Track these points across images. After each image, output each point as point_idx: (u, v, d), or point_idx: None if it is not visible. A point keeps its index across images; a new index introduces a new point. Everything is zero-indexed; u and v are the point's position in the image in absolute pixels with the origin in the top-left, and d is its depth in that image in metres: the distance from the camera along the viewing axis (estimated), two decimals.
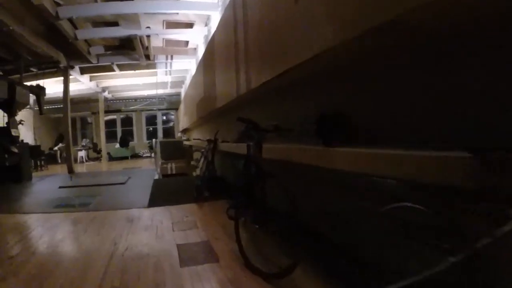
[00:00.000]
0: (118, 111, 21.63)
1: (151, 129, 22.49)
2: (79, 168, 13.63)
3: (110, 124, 22.24)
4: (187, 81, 14.84)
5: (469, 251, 1.19)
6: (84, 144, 18.87)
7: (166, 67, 13.43)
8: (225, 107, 4.87)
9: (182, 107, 14.49)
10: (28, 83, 11.00)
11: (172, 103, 21.52)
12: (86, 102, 19.70)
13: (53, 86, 14.52)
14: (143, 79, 15.62)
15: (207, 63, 6.25)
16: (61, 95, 16.36)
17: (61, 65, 11.21)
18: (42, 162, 14.27)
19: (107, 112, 21.07)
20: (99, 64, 12.18)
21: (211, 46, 5.71)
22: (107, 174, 10.90)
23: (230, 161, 5.49)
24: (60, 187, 7.87)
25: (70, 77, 13.13)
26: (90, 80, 14.43)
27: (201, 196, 5.35)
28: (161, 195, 6.07)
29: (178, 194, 5.97)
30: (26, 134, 16.52)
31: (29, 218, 4.74)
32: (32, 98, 11.59)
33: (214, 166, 5.49)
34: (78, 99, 19.13)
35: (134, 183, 8.00)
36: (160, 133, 22.08)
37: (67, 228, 4.16)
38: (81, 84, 15.08)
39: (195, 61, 12.08)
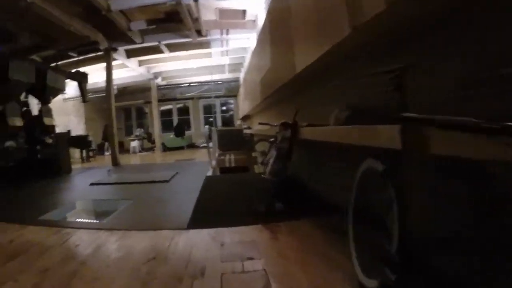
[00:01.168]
0: (173, 99, 20.45)
1: (210, 119, 21.02)
2: (128, 160, 12.44)
3: (167, 113, 21.26)
4: (246, 63, 13.06)
5: None
6: (137, 134, 17.90)
7: (222, 46, 11.64)
8: (317, 64, 2.87)
9: (241, 91, 12.71)
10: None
11: (230, 90, 19.85)
12: (141, 91, 18.70)
13: (104, 74, 13.56)
14: (197, 62, 14.01)
15: (276, 23, 4.34)
16: (121, 82, 15.51)
17: (102, 47, 9.86)
18: (90, 153, 13.32)
19: (163, 101, 19.97)
20: (145, 45, 10.68)
21: None
22: (153, 168, 9.35)
23: (319, 159, 3.57)
24: (91, 184, 6.42)
25: (117, 62, 11.83)
26: (139, 65, 13.06)
27: (272, 210, 3.45)
28: (210, 204, 4.09)
29: (235, 204, 3.96)
30: (77, 125, 15.86)
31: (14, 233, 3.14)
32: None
33: (286, 165, 3.55)
34: (132, 88, 18.21)
35: (181, 182, 6.18)
36: (218, 122, 20.62)
37: (39, 273, 2.42)
38: (131, 70, 13.83)
39: (256, 35, 10.22)
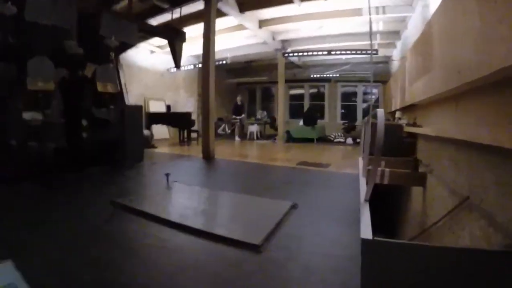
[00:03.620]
0: (306, 80, 16.98)
1: (343, 110, 17.15)
2: (233, 151, 9.50)
3: (297, 97, 18.05)
4: (409, 29, 8.72)
5: None
6: (259, 117, 14.86)
7: None
8: None
9: (407, 67, 8.27)
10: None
11: (377, 74, 15.41)
12: (268, 68, 15.83)
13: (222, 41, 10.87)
14: (340, 24, 10.11)
15: None
16: (240, 53, 12.76)
17: None
18: (192, 135, 10.79)
19: (293, 81, 16.79)
20: None
21: None
22: (254, 177, 5.58)
23: None
24: (112, 203, 3.43)
25: (230, 22, 9.04)
26: (260, 27, 9.78)
27: None
28: None
29: None
30: (186, 100, 13.68)
31: None
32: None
33: None
34: (257, 64, 15.42)
35: (293, 257, 2.27)
36: (359, 111, 16.48)
37: None
38: (251, 37, 10.79)
39: None
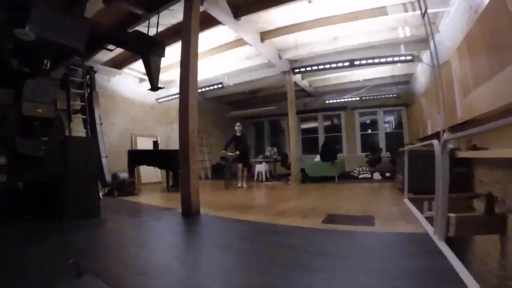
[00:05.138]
0: (318, 110, 15.23)
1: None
2: (230, 198, 7.14)
3: (310, 131, 16.21)
4: (443, 31, 6.95)
5: None
6: (268, 154, 12.61)
7: None
8: None
9: (454, 72, 6.28)
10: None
11: (396, 97, 13.43)
12: (275, 99, 14.17)
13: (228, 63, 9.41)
14: (360, 31, 8.24)
15: None
16: (242, 79, 10.79)
17: None
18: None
19: (305, 112, 15.10)
20: None
21: None
22: (252, 274, 2.32)
23: None
24: None
25: (222, 34, 7.40)
26: (262, 40, 7.90)
27: None
28: None
29: None
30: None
31: None
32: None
33: None
34: (262, 94, 13.76)
35: None
36: (382, 141, 14.37)
37: None
38: (253, 56, 9.18)
39: None
